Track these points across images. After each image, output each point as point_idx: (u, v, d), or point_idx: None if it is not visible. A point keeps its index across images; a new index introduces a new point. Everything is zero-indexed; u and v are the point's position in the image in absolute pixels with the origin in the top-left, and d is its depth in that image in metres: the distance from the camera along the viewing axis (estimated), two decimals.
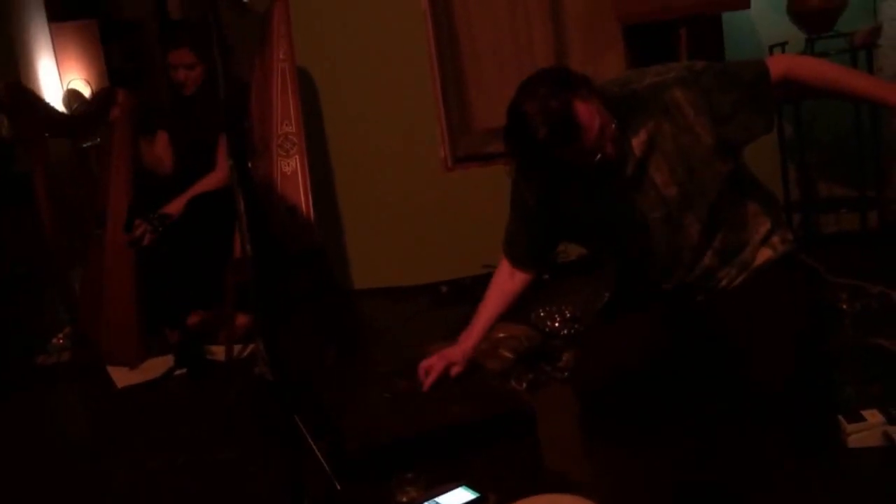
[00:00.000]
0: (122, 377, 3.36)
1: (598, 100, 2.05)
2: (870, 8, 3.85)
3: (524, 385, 2.63)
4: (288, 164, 3.50)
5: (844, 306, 2.88)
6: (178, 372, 3.33)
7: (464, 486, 1.88)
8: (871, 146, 3.84)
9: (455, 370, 2.46)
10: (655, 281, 2.33)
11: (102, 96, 3.80)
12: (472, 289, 4.06)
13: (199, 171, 3.56)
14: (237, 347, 3.41)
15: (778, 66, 2.18)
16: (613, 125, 2.08)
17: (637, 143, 2.16)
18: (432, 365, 2.46)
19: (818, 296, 2.55)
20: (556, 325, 3.07)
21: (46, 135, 3.64)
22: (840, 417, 2.01)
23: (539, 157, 2.09)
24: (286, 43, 3.63)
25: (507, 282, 2.50)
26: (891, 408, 2.01)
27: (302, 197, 3.44)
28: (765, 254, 2.31)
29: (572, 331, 3.03)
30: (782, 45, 3.81)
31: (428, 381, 2.42)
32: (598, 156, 2.07)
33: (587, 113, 2.01)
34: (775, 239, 2.34)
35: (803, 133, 3.96)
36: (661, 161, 2.17)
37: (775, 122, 2.31)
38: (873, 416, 2.00)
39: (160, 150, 3.78)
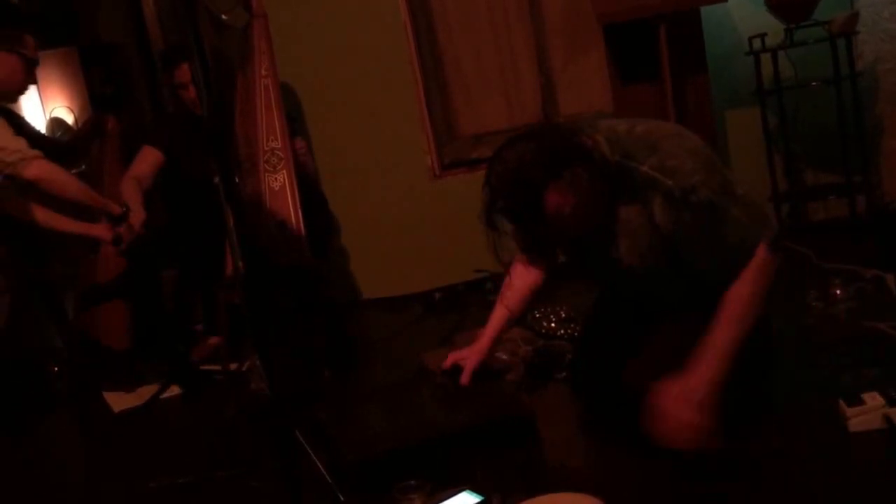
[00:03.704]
0: (118, 401, 3.34)
1: (583, 179, 1.93)
2: None
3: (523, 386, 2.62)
4: (276, 179, 3.48)
5: (838, 292, 2.89)
6: (170, 394, 3.32)
7: (467, 491, 1.87)
8: (855, 131, 3.86)
9: (468, 366, 2.45)
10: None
11: (92, 124, 3.79)
12: (466, 294, 4.07)
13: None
14: (233, 364, 3.40)
15: (748, 271, 2.00)
16: (585, 211, 1.98)
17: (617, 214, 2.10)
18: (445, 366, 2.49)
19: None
20: (553, 325, 3.06)
21: None
22: (840, 401, 2.01)
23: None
24: (267, 59, 3.62)
25: (524, 274, 2.44)
26: (890, 390, 2.01)
27: (291, 212, 3.42)
28: None
29: (568, 331, 3.03)
30: (762, 37, 3.83)
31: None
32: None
33: (554, 202, 1.92)
34: None
35: (787, 122, 3.98)
36: (630, 241, 2.10)
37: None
38: (873, 399, 2.00)
39: (144, 168, 3.72)
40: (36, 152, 2.93)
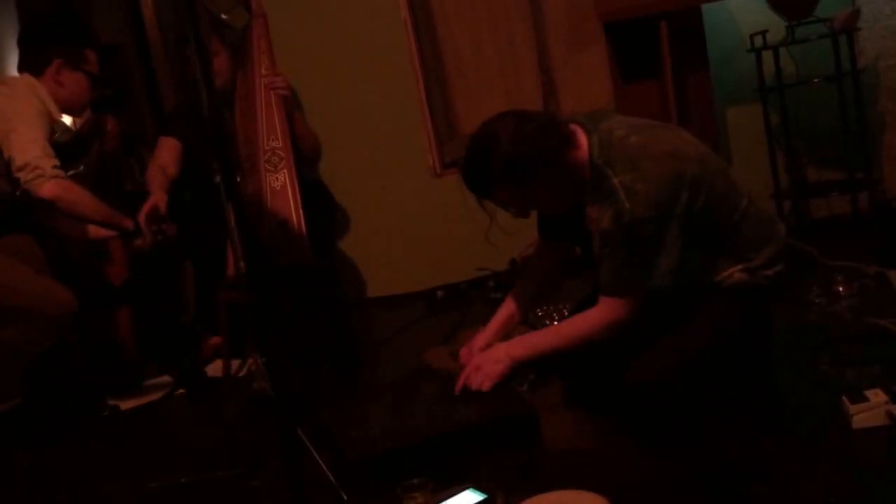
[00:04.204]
0: (122, 400, 3.34)
1: (540, 187, 2.14)
2: None
3: (525, 386, 2.61)
4: (276, 178, 3.48)
5: (841, 289, 2.88)
6: (177, 392, 3.32)
7: (471, 489, 1.86)
8: (857, 128, 3.85)
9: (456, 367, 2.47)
10: None
11: (91, 125, 3.79)
12: (468, 293, 4.07)
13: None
14: (235, 363, 3.40)
15: (607, 307, 2.19)
16: (532, 208, 2.24)
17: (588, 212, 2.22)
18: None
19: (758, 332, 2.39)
20: (555, 324, 3.06)
21: None
22: (844, 398, 2.01)
23: None
24: (267, 58, 3.61)
25: (537, 260, 2.54)
26: (894, 386, 2.00)
27: (293, 211, 3.42)
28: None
29: None
30: (763, 34, 3.82)
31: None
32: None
33: (501, 197, 2.18)
34: (736, 271, 2.26)
35: (789, 119, 3.98)
36: (596, 236, 2.21)
37: None
38: (876, 396, 1.99)
39: (166, 156, 3.73)
40: (56, 171, 2.95)
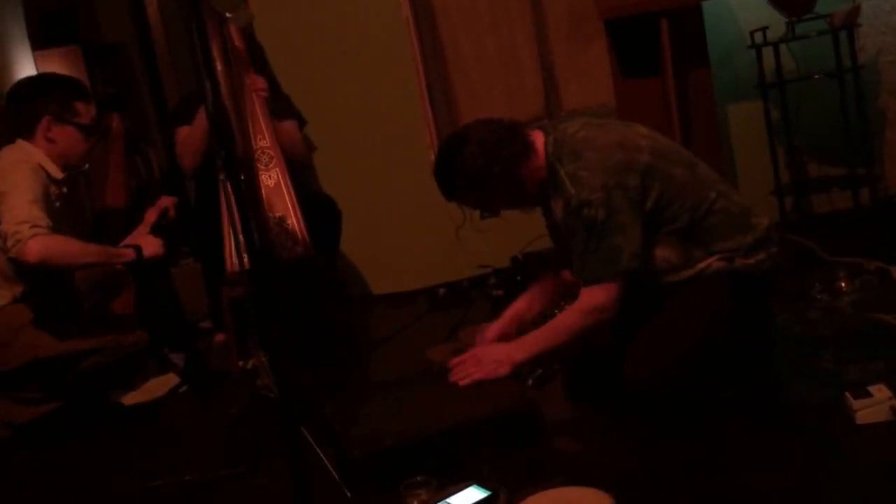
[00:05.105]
0: (127, 396, 3.34)
1: (490, 194, 2.33)
2: None
3: (530, 381, 2.61)
4: (269, 176, 3.48)
5: (843, 284, 2.89)
6: (181, 389, 3.32)
7: (474, 485, 1.87)
8: (858, 124, 3.85)
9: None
10: None
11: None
12: (469, 290, 4.08)
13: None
14: (241, 362, 3.40)
15: (592, 295, 2.26)
16: (488, 210, 2.46)
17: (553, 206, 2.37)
18: None
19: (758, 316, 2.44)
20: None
21: None
22: (847, 394, 2.01)
23: None
24: (241, 60, 3.60)
25: (555, 257, 2.67)
26: None
27: (290, 207, 3.42)
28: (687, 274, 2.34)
29: None
30: (763, 30, 3.82)
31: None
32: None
33: (459, 202, 2.44)
34: (714, 261, 2.32)
35: (790, 115, 3.98)
36: (561, 229, 2.36)
37: None
38: (880, 392, 2.00)
39: (180, 147, 3.73)
40: (33, 231, 2.84)
